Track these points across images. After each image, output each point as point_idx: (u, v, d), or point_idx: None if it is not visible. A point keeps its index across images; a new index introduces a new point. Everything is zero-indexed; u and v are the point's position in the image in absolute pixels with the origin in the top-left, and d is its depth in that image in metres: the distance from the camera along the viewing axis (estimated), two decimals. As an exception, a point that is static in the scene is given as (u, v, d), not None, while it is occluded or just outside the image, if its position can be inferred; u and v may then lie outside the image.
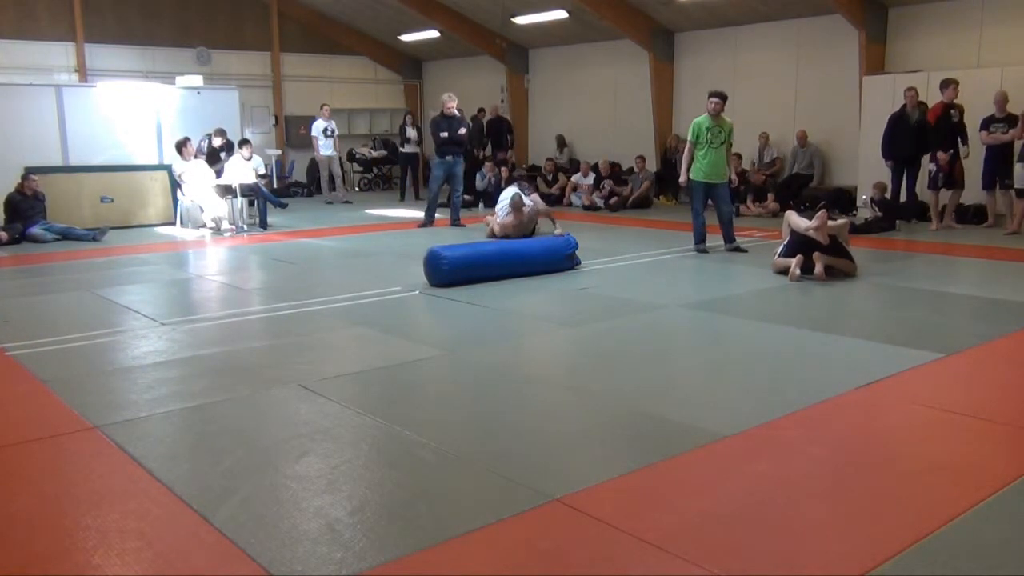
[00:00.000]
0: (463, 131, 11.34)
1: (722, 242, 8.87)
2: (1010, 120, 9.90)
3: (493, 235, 9.78)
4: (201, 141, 12.29)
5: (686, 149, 8.78)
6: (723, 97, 8.70)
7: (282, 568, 2.51)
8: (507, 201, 9.86)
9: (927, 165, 10.63)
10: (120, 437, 3.61)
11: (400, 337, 5.44)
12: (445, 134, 11.11)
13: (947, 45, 11.50)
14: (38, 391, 4.33)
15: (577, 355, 5.18)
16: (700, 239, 8.80)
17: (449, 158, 11.24)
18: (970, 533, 2.70)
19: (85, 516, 2.88)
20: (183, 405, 4.08)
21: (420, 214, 13.22)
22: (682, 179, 8.92)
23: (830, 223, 7.38)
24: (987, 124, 10.03)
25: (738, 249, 8.74)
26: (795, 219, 7.57)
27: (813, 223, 7.28)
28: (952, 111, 9.98)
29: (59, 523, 2.84)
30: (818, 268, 7.06)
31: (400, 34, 18.17)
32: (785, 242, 7.49)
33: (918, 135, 10.43)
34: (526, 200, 9.88)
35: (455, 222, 11.40)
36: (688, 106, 14.71)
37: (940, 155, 9.97)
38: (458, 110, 11.35)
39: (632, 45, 14.78)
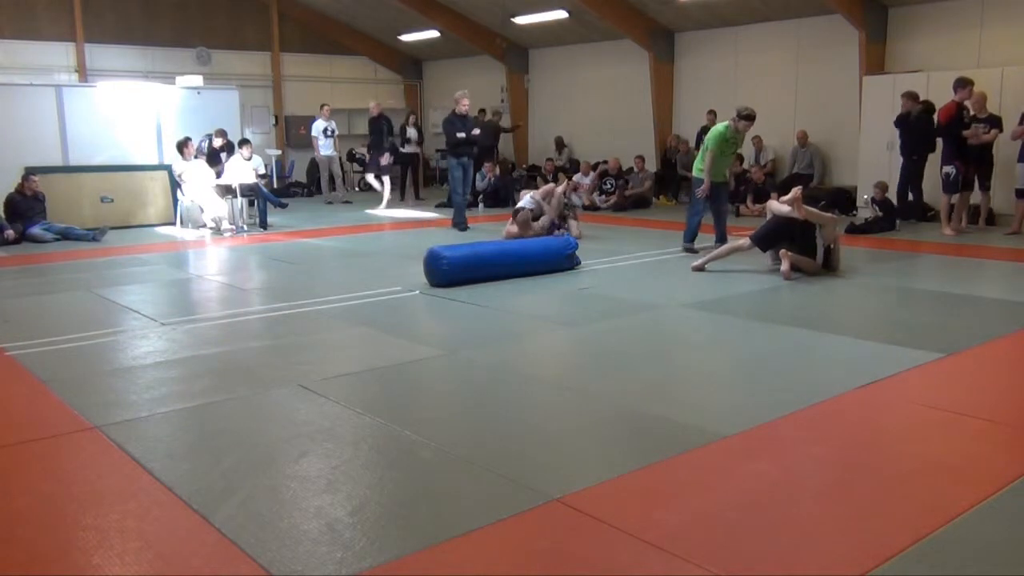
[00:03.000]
0: (477, 131, 11.08)
1: (706, 241, 8.85)
2: (991, 120, 9.89)
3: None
4: (201, 141, 12.29)
5: (709, 158, 8.50)
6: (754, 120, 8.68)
7: (282, 568, 2.51)
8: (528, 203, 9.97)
9: (927, 165, 10.64)
10: (120, 437, 3.61)
11: (400, 337, 5.44)
12: (463, 134, 10.80)
13: (947, 45, 11.50)
14: (38, 391, 4.33)
15: (577, 355, 5.18)
16: (693, 238, 8.77)
17: (465, 159, 10.97)
18: (970, 533, 2.70)
19: (85, 516, 2.88)
20: (183, 405, 4.08)
21: (420, 214, 13.27)
22: (704, 190, 8.59)
23: (815, 211, 7.42)
24: (968, 124, 9.90)
25: None
26: (775, 205, 7.62)
27: (788, 197, 7.35)
28: (965, 111, 9.79)
29: (59, 523, 2.84)
30: (784, 266, 7.13)
31: (400, 34, 18.18)
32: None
33: (921, 131, 10.43)
34: (529, 203, 9.91)
35: (460, 224, 11.06)
36: (688, 106, 14.73)
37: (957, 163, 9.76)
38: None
39: (632, 45, 14.78)
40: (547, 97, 17.42)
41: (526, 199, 10.11)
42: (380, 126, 14.87)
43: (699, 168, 8.75)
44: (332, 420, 3.82)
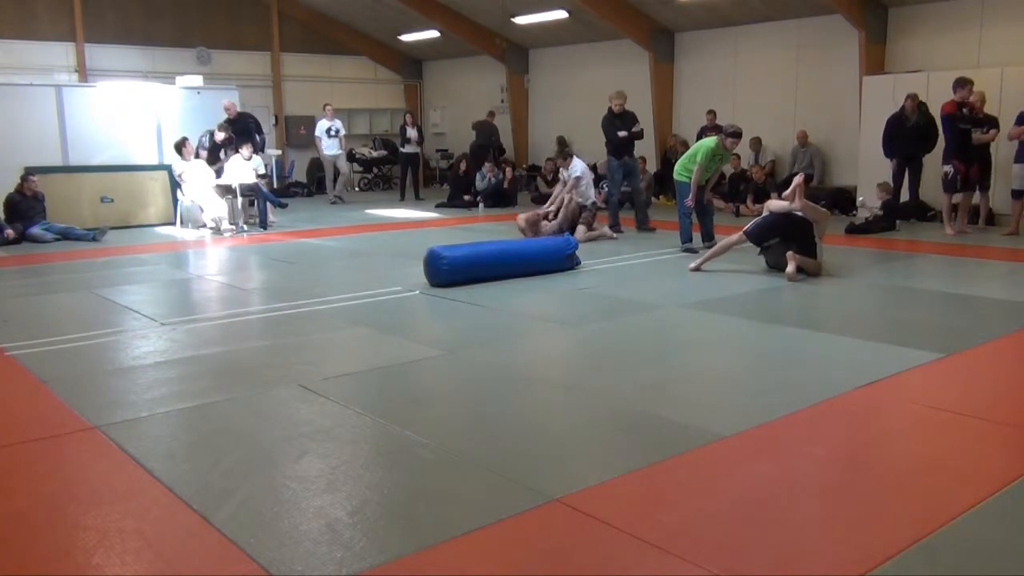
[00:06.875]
0: (638, 128, 10.68)
1: (697, 241, 8.96)
2: (988, 121, 9.88)
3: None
4: (202, 137, 12.21)
5: (697, 171, 8.67)
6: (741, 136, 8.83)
7: (282, 568, 2.51)
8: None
9: (928, 165, 10.64)
10: (120, 437, 3.61)
11: (400, 337, 5.44)
12: (624, 133, 10.47)
13: (947, 45, 11.50)
14: (38, 391, 4.33)
15: (577, 355, 5.18)
16: (689, 238, 8.93)
17: (626, 158, 10.61)
18: (970, 533, 2.70)
19: (85, 516, 2.88)
20: (183, 405, 4.08)
21: (420, 214, 13.27)
22: (690, 201, 8.77)
23: (813, 204, 7.41)
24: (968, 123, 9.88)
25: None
26: (775, 204, 7.61)
27: (788, 190, 7.35)
28: (964, 110, 9.73)
29: (59, 523, 2.84)
30: (790, 268, 7.11)
31: (400, 34, 18.18)
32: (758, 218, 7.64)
33: (917, 137, 10.45)
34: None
35: (642, 224, 10.66)
36: (688, 106, 14.73)
37: (956, 163, 9.71)
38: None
39: (632, 45, 14.78)
40: (547, 97, 17.41)
41: (580, 168, 10.13)
42: (247, 124, 12.54)
43: (680, 172, 8.94)
44: (332, 420, 3.82)
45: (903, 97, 10.73)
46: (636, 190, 10.90)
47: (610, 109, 10.63)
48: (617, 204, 10.85)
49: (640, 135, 10.72)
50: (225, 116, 12.32)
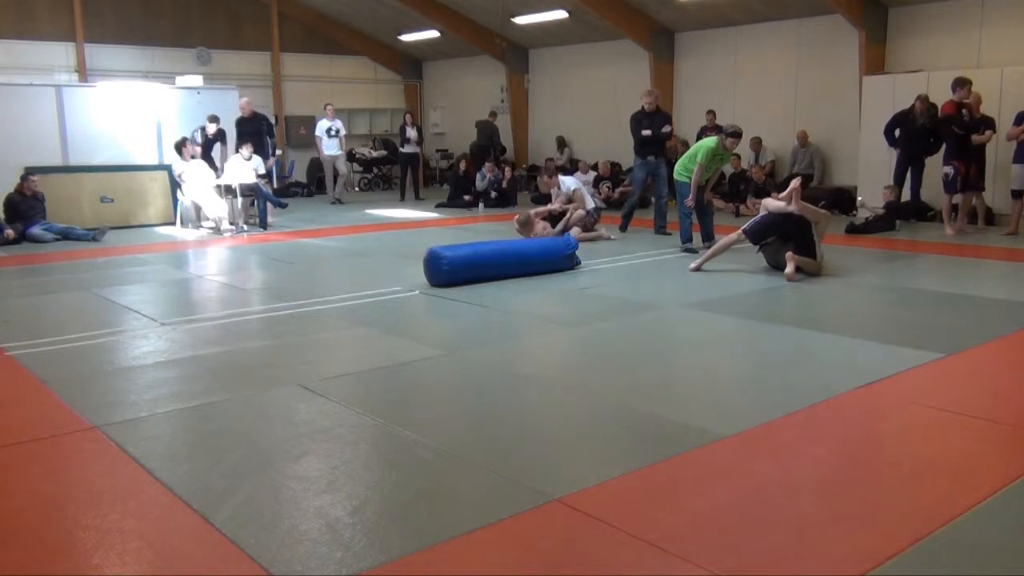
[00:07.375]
0: (667, 129, 10.37)
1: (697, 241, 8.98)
2: (985, 122, 9.89)
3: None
4: (195, 132, 12.18)
5: (697, 171, 8.69)
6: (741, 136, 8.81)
7: (282, 568, 2.51)
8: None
9: (929, 165, 10.64)
10: (120, 437, 3.61)
11: (400, 337, 5.44)
12: (648, 132, 10.16)
13: (947, 45, 11.50)
14: (38, 391, 4.33)
15: (577, 355, 5.18)
16: (689, 238, 8.95)
17: (651, 158, 10.27)
18: (970, 533, 2.70)
19: (85, 516, 2.88)
20: (183, 405, 4.08)
21: (420, 214, 13.27)
22: (690, 201, 8.80)
23: (811, 207, 7.40)
24: (967, 124, 9.90)
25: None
26: (772, 203, 7.62)
27: (785, 193, 7.36)
28: (963, 111, 9.77)
29: (59, 523, 2.83)
30: (789, 268, 7.10)
31: (400, 34, 18.19)
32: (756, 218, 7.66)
33: (923, 137, 10.45)
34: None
35: (660, 229, 10.36)
36: (688, 106, 14.73)
37: (955, 163, 9.72)
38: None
39: (632, 45, 14.78)
40: (547, 97, 17.42)
41: (571, 181, 10.30)
42: (259, 126, 12.70)
43: (680, 172, 8.97)
44: (332, 420, 3.82)
45: (903, 97, 10.75)
46: (659, 193, 10.50)
47: (642, 107, 10.39)
48: (636, 204, 10.76)
49: (666, 136, 10.50)
50: (240, 114, 12.38)
